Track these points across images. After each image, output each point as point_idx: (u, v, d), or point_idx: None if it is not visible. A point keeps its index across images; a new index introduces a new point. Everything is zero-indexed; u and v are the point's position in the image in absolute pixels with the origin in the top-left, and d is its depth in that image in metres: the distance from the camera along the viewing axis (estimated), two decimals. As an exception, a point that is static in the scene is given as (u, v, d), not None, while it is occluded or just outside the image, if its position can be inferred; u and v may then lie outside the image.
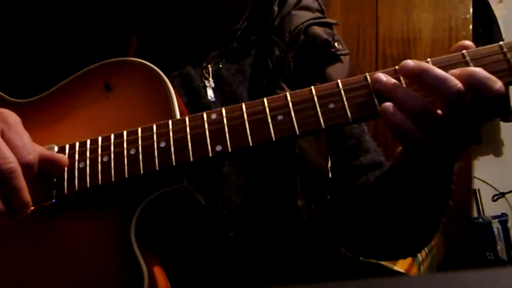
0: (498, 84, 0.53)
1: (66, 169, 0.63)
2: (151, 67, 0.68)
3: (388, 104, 0.55)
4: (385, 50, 2.90)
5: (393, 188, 0.70)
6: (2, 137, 0.58)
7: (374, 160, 0.83)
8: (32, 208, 0.63)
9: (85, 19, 0.76)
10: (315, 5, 0.86)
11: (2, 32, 0.78)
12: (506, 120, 3.01)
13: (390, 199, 0.71)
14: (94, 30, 0.75)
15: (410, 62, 0.55)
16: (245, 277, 0.73)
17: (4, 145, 0.57)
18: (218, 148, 0.59)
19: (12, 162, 0.57)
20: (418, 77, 0.55)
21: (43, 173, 0.61)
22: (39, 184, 0.61)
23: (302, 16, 0.82)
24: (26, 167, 0.58)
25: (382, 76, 0.56)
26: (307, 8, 0.84)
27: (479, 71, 0.54)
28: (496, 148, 3.21)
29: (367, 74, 0.58)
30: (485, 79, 0.53)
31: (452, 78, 0.53)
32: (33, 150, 0.59)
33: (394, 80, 0.56)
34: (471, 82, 0.53)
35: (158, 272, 0.62)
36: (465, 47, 0.58)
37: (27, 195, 0.58)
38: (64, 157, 0.63)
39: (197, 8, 0.78)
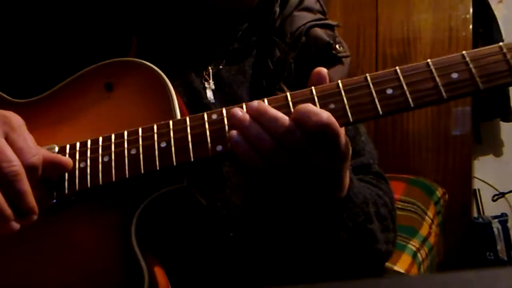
0: (318, 116, 0.54)
1: None
2: (152, 68, 0.68)
3: (235, 133, 0.57)
4: (385, 50, 2.90)
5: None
6: (6, 140, 0.58)
7: (362, 162, 0.82)
8: None
9: (86, 19, 0.76)
10: (316, 6, 0.86)
11: (3, 32, 0.78)
12: (506, 120, 3.01)
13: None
14: (94, 30, 0.75)
15: (237, 112, 0.58)
16: (245, 277, 0.73)
17: (8, 148, 0.57)
18: (219, 148, 0.59)
19: (17, 165, 0.56)
20: (257, 120, 0.57)
21: (44, 174, 0.61)
22: (40, 185, 0.61)
23: (304, 18, 0.82)
24: (30, 169, 0.58)
25: (238, 112, 0.58)
26: (309, 10, 0.84)
27: (302, 106, 0.56)
28: (496, 148, 3.22)
29: (367, 74, 0.58)
30: (306, 112, 0.55)
31: (282, 117, 0.56)
32: (37, 152, 0.59)
33: (248, 118, 0.58)
34: (295, 116, 0.56)
35: (159, 272, 0.62)
36: (320, 76, 0.60)
37: (31, 199, 0.58)
38: (68, 159, 0.63)
39: (198, 11, 0.78)
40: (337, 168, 0.60)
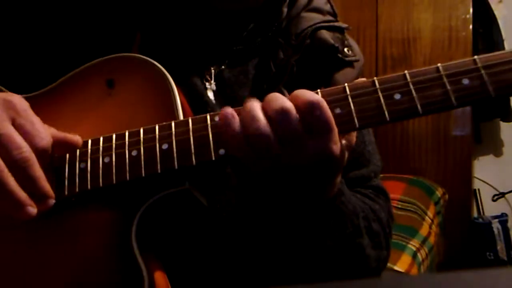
0: (311, 94, 0.55)
1: (67, 169, 0.63)
2: (155, 65, 0.66)
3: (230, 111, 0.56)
4: (385, 50, 2.90)
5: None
6: (13, 125, 0.58)
7: (362, 174, 0.79)
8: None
9: (89, 12, 0.75)
10: (326, 7, 0.82)
11: (5, 26, 0.77)
12: (506, 120, 3.02)
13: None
14: (97, 25, 0.74)
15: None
16: (246, 279, 0.73)
17: (16, 134, 0.57)
18: (221, 151, 0.58)
19: (26, 151, 0.56)
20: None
21: (55, 153, 0.62)
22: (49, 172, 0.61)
23: (311, 19, 0.79)
24: (41, 154, 0.58)
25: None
26: (318, 10, 0.81)
27: (298, 90, 0.56)
28: (496, 148, 3.22)
29: (375, 78, 0.57)
30: (301, 91, 0.55)
31: (280, 97, 0.55)
32: (46, 135, 0.59)
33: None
34: (291, 96, 0.56)
35: (159, 274, 0.62)
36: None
37: (45, 183, 0.58)
38: (78, 137, 0.63)
39: (203, 11, 0.77)
40: (324, 177, 0.59)
